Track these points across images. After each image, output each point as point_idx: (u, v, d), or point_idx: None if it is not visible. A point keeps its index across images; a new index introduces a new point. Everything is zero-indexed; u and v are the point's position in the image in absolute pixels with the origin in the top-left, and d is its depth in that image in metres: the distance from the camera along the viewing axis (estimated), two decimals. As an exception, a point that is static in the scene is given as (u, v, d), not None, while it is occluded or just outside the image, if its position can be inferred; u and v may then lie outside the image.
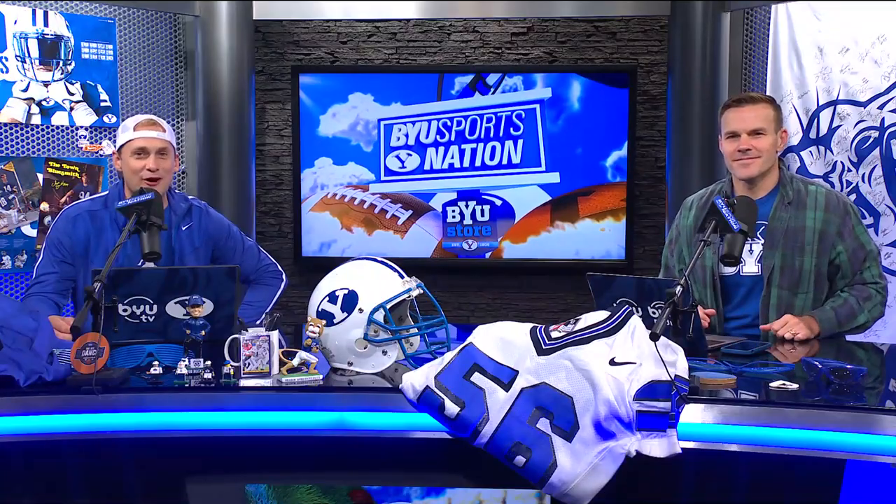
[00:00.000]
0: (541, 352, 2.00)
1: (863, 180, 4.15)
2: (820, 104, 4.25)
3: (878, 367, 2.56)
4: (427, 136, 5.01)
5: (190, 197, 3.08)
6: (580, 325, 2.05)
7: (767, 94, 4.15)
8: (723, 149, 2.88)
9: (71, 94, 4.36)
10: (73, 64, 4.35)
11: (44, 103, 4.30)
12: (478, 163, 5.00)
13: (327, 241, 5.10)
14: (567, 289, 5.08)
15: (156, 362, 2.19)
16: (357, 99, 5.04)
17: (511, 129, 4.96)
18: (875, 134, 4.11)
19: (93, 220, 2.90)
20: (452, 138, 4.99)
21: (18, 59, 4.23)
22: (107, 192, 3.01)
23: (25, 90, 4.26)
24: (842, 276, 2.83)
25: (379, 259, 2.33)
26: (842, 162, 4.20)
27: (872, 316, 2.81)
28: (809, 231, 2.79)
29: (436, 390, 1.98)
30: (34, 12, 4.26)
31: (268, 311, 2.99)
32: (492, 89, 4.96)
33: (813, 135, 4.27)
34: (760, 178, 2.84)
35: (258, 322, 2.46)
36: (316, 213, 5.09)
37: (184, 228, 2.97)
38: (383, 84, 5.02)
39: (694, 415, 1.95)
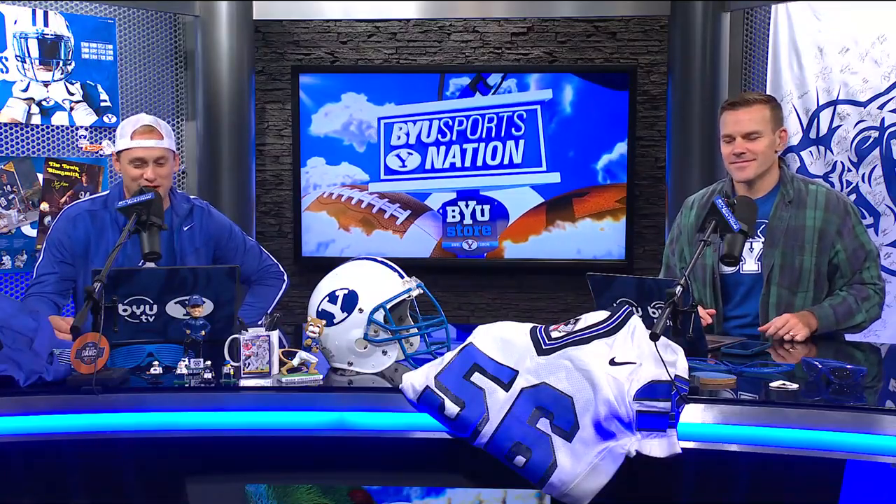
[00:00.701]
0: (541, 352, 2.00)
1: (863, 180, 4.15)
2: (820, 104, 4.25)
3: (877, 367, 2.56)
4: (428, 136, 5.01)
5: (192, 197, 3.08)
6: (580, 325, 2.05)
7: (768, 93, 4.15)
8: (721, 150, 2.88)
9: (71, 94, 4.36)
10: (73, 64, 4.35)
11: (44, 103, 4.30)
12: (479, 163, 5.00)
13: (325, 241, 5.10)
14: (567, 289, 5.08)
15: (156, 362, 2.19)
16: (350, 98, 5.04)
17: (513, 129, 4.96)
18: (875, 134, 4.11)
19: (93, 220, 2.90)
20: (454, 138, 5.00)
21: (18, 59, 4.23)
22: (107, 192, 3.01)
23: (25, 90, 4.26)
24: (840, 275, 2.83)
25: (379, 259, 2.33)
26: (842, 162, 4.20)
27: (870, 316, 2.81)
28: (809, 230, 2.79)
29: (436, 390, 1.98)
30: (34, 12, 4.26)
31: (269, 311, 2.99)
32: (492, 90, 4.96)
33: (813, 135, 4.27)
34: (760, 178, 2.84)
35: (258, 322, 2.46)
36: (311, 213, 5.09)
37: (185, 229, 2.96)
38: (380, 84, 5.02)
39: (694, 415, 1.95)
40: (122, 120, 4.44)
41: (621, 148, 4.93)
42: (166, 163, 2.89)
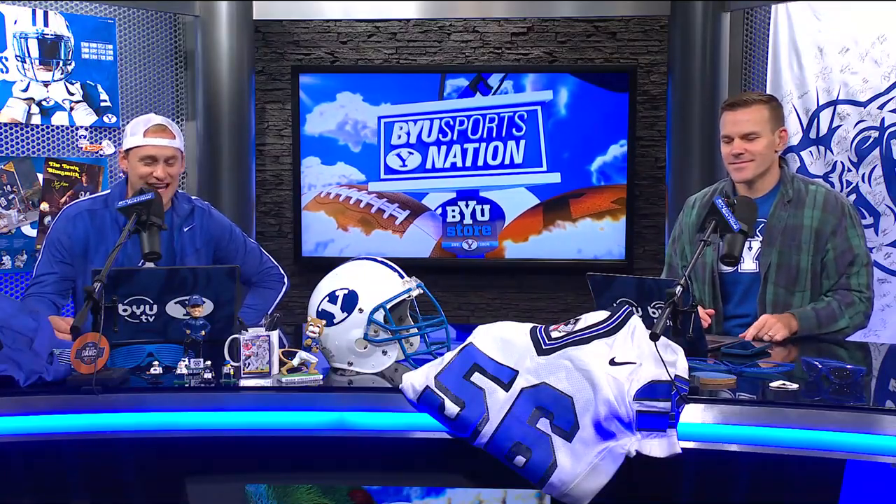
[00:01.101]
0: (541, 352, 2.00)
1: (863, 180, 4.15)
2: (820, 104, 4.25)
3: (878, 367, 2.56)
4: (429, 136, 5.01)
5: (193, 198, 3.08)
6: (580, 325, 2.04)
7: (768, 93, 4.14)
8: (721, 151, 2.88)
9: (71, 94, 4.36)
10: (73, 64, 4.35)
11: (44, 103, 4.30)
12: (480, 163, 5.00)
13: (323, 240, 5.10)
14: (567, 289, 5.08)
15: (156, 362, 2.19)
16: (346, 98, 5.03)
17: (513, 129, 4.96)
18: (875, 134, 4.11)
19: (92, 219, 2.90)
20: (455, 137, 5.00)
21: (18, 59, 4.23)
22: (108, 192, 3.00)
23: (25, 90, 4.26)
24: (826, 276, 2.81)
25: (379, 259, 2.33)
26: (842, 162, 4.20)
27: (853, 323, 2.77)
28: (807, 230, 2.79)
29: (436, 390, 1.98)
30: (34, 12, 4.26)
31: (268, 313, 2.99)
32: (492, 90, 4.96)
33: (813, 135, 4.27)
34: (760, 178, 2.84)
35: (258, 323, 2.46)
36: (309, 213, 5.09)
37: (186, 230, 2.96)
38: (379, 84, 5.02)
39: (694, 415, 1.95)
40: (122, 120, 4.47)
41: (622, 148, 4.93)
42: (176, 162, 2.90)
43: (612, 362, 1.96)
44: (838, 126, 4.20)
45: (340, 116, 5.05)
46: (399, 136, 5.02)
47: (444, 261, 5.09)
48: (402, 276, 2.28)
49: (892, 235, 4.11)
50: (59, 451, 2.05)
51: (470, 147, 4.99)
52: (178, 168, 2.92)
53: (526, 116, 4.95)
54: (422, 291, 2.28)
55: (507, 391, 1.97)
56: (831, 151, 4.23)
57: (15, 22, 4.22)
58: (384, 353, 2.25)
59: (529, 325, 2.09)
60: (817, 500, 1.93)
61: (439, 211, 5.05)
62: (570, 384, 1.94)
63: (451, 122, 4.98)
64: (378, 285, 2.24)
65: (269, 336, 2.13)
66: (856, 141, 4.16)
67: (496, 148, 4.98)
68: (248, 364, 2.11)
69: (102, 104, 4.44)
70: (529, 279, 5.14)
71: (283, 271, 3.18)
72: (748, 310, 2.84)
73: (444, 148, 5.01)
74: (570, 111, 4.94)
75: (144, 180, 2.84)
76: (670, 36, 4.77)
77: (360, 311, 2.20)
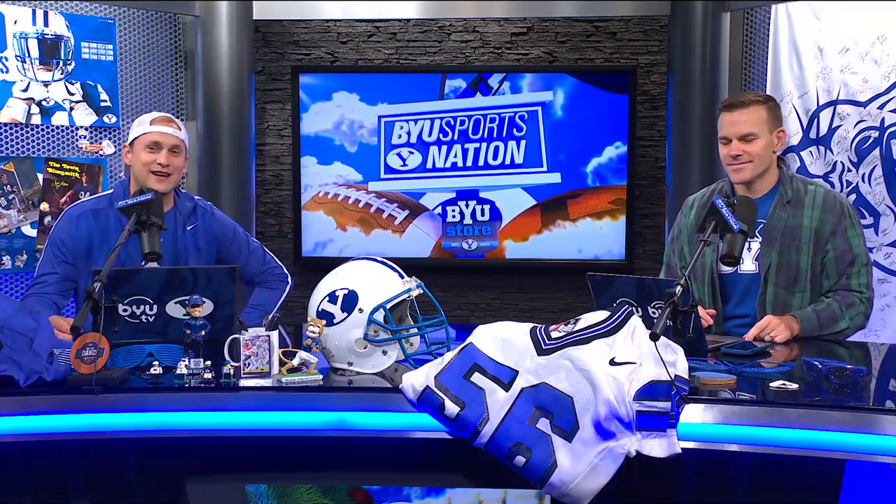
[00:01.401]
0: (541, 352, 2.00)
1: (863, 180, 4.15)
2: (820, 104, 4.25)
3: (878, 367, 2.56)
4: (430, 135, 5.01)
5: (196, 197, 3.08)
6: (580, 325, 2.05)
7: (767, 93, 4.14)
8: (719, 151, 2.88)
9: (71, 94, 4.36)
10: (73, 64, 4.35)
11: (44, 103, 4.30)
12: (480, 163, 5.00)
13: (322, 240, 5.10)
14: (567, 289, 5.08)
15: (156, 362, 2.19)
16: (342, 98, 5.03)
17: (514, 129, 4.96)
18: (875, 134, 4.11)
19: (96, 218, 2.90)
20: (455, 137, 5.00)
21: (18, 59, 4.23)
22: (111, 191, 3.01)
23: (25, 90, 4.26)
24: (826, 276, 2.80)
25: (379, 259, 2.33)
26: (842, 162, 4.20)
27: (854, 324, 2.78)
28: (806, 230, 2.79)
29: (436, 390, 1.99)
30: (34, 12, 4.26)
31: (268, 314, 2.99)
32: (493, 90, 4.96)
33: (813, 135, 4.27)
34: (758, 178, 2.83)
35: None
36: (307, 213, 5.09)
37: (188, 228, 2.97)
38: (379, 84, 5.02)
39: (694, 415, 1.95)
40: (122, 120, 4.47)
41: (617, 150, 4.93)
42: (180, 153, 2.91)
43: (612, 362, 1.96)
44: (838, 126, 4.20)
45: (336, 116, 5.05)
46: (399, 136, 5.02)
47: (444, 261, 5.09)
48: (402, 276, 2.28)
49: (892, 235, 4.11)
50: (59, 451, 2.05)
51: (471, 147, 4.99)
52: (182, 161, 2.92)
53: (526, 117, 4.95)
54: (422, 291, 2.28)
55: (507, 391, 1.97)
56: (831, 151, 4.23)
57: (15, 22, 4.22)
58: (384, 353, 2.25)
59: (529, 325, 2.09)
60: (817, 500, 1.93)
61: (439, 211, 5.05)
62: (570, 384, 1.94)
63: (452, 122, 4.98)
64: (378, 285, 2.24)
65: (269, 336, 2.13)
66: (856, 141, 4.16)
67: (497, 148, 4.98)
68: (248, 364, 2.11)
69: (102, 104, 4.44)
70: (529, 279, 5.14)
71: (286, 270, 3.18)
72: (748, 310, 2.84)
73: (444, 148, 5.01)
74: (571, 111, 4.94)
75: (147, 168, 2.84)
76: (670, 36, 4.77)
77: (360, 311, 2.20)
